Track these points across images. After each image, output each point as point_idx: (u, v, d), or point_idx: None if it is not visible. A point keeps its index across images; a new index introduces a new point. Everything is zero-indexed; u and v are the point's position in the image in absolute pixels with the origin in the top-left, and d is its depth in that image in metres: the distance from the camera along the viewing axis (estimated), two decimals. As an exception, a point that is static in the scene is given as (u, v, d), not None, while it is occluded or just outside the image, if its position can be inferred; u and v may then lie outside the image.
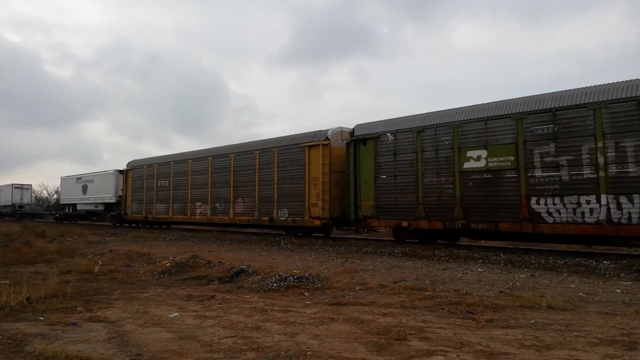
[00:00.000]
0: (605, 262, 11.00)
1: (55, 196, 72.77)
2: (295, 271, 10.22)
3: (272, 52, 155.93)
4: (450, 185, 13.97)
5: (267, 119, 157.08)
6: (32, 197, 57.25)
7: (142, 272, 11.32)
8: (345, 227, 18.47)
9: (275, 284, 8.68)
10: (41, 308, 6.92)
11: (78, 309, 6.90)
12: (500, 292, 8.09)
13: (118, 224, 33.15)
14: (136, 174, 29.23)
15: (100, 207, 35.36)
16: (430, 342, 4.96)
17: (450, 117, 14.26)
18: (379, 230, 18.41)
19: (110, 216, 34.14)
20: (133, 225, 31.90)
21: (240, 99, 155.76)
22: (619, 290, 8.14)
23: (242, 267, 10.34)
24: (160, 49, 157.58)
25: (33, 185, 58.60)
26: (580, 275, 9.86)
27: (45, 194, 75.08)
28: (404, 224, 15.20)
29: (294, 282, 8.77)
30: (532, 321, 5.87)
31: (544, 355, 4.51)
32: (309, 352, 4.65)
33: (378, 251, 14.77)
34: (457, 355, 4.51)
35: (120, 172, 32.17)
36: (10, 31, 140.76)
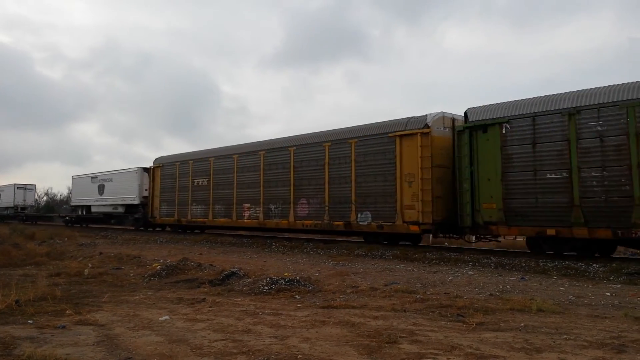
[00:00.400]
0: (594, 265, 11.08)
1: (45, 198, 72.02)
2: (286, 274, 10.20)
3: (264, 53, 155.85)
4: (624, 182, 11.04)
5: (259, 120, 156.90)
6: (35, 198, 52.92)
7: (132, 275, 11.25)
8: (450, 235, 15.41)
9: (266, 287, 8.66)
10: (30, 311, 6.86)
11: (67, 312, 6.85)
12: (491, 295, 8.12)
13: (142, 228, 29.96)
14: (166, 172, 26.11)
15: (120, 209, 31.63)
16: (421, 345, 4.97)
17: (621, 94, 11.34)
18: (499, 240, 15.04)
19: (133, 219, 30.48)
20: (158, 229, 29.11)
21: (232, 100, 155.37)
22: (609, 293, 8.20)
23: (233, 270, 10.31)
24: (152, 50, 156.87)
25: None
26: (570, 278, 9.93)
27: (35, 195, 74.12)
28: (550, 232, 12.06)
29: (285, 285, 8.76)
30: (522, 324, 5.90)
31: (534, 358, 4.54)
32: (300, 356, 4.64)
33: (369, 254, 14.79)
34: (448, 358, 4.53)
35: (145, 170, 29.10)
36: None
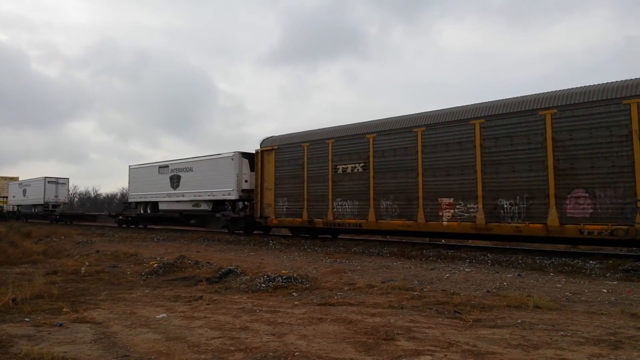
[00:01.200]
0: (591, 262, 11.12)
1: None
2: (283, 271, 10.21)
3: (261, 52, 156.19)
4: None
5: (256, 118, 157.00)
6: (69, 194, 44.97)
7: (129, 272, 11.23)
8: None
9: (263, 285, 8.66)
10: (27, 309, 6.85)
11: (64, 310, 6.83)
12: (488, 292, 8.14)
13: (241, 231, 22.99)
14: (284, 156, 19.71)
15: (205, 207, 24.70)
16: (418, 342, 4.98)
17: None
18: None
19: (228, 220, 23.10)
20: (256, 232, 22.78)
21: (229, 99, 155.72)
22: (605, 290, 8.23)
23: (230, 267, 10.31)
24: (149, 49, 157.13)
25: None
26: (566, 275, 9.96)
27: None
28: None
29: (282, 282, 8.76)
30: (519, 321, 5.92)
31: (531, 354, 4.55)
32: (297, 353, 4.65)
33: (366, 251, 14.80)
34: (445, 355, 4.53)
35: (245, 155, 22.74)
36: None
